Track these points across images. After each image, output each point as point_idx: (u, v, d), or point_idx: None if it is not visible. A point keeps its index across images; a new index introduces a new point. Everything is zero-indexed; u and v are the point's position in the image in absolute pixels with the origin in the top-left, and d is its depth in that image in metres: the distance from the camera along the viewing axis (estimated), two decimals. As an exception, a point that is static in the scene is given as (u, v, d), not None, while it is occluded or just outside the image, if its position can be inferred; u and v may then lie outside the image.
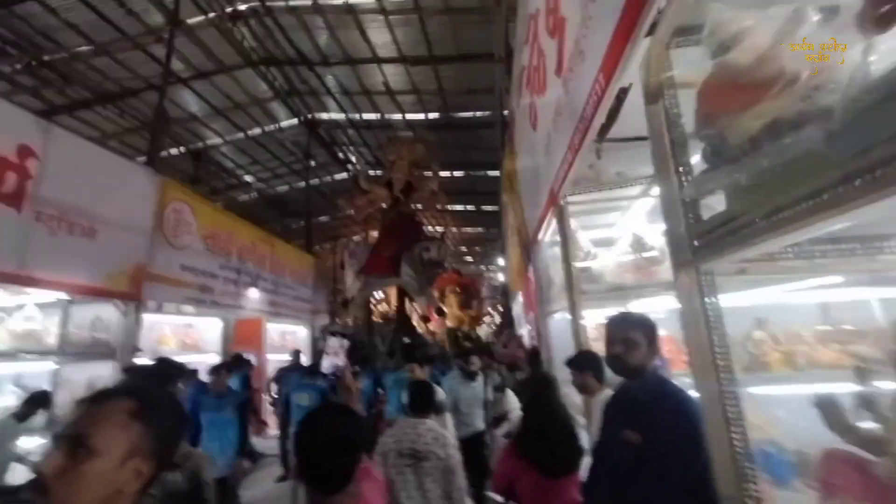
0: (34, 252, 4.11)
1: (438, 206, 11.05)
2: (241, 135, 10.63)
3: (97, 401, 0.75)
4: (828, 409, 1.28)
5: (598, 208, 3.31)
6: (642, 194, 2.89)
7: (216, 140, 10.68)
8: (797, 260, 1.24)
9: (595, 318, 2.94)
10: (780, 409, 1.92)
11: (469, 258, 23.31)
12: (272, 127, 10.57)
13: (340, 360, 6.17)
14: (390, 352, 8.21)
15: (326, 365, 6.10)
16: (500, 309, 22.52)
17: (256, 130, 10.58)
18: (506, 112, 7.04)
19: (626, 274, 2.83)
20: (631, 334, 1.58)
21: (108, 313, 5.11)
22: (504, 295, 18.08)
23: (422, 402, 2.29)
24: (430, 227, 13.27)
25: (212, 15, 7.04)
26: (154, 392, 0.85)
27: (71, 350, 4.71)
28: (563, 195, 2.89)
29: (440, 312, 11.63)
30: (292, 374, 6.62)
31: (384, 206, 10.19)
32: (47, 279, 4.25)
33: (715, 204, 1.30)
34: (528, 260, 5.31)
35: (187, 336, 6.69)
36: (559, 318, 3.58)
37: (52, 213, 4.30)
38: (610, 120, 2.31)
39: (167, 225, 5.79)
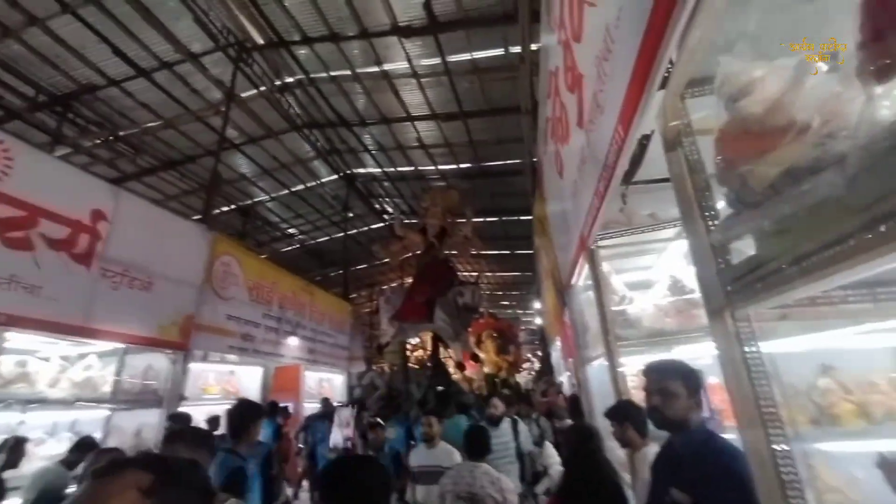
0: (98, 305, 4.46)
1: (473, 251, 10.88)
2: (285, 191, 11.37)
3: (108, 474, 0.68)
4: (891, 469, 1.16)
5: (631, 251, 3.26)
6: (677, 236, 2.83)
7: (263, 197, 11.46)
8: (841, 305, 1.18)
9: (635, 365, 2.81)
10: (858, 469, 1.71)
11: (505, 303, 22.95)
12: (314, 183, 11.26)
13: (350, 431, 5.97)
14: (423, 401, 7.92)
15: (338, 438, 5.94)
16: (539, 354, 21.75)
17: (299, 186, 11.29)
18: (535, 159, 7.20)
19: (666, 318, 2.72)
20: (669, 384, 1.51)
21: (159, 362, 5.38)
22: (542, 340, 17.53)
23: (478, 447, 2.54)
24: (464, 273, 13.18)
25: (262, 88, 7.81)
26: (176, 463, 0.78)
27: (123, 398, 4.95)
28: (592, 240, 2.88)
29: (475, 358, 11.14)
30: (320, 423, 6.58)
31: (418, 251, 10.20)
32: (108, 330, 4.57)
33: (746, 248, 1.27)
34: (563, 304, 5.20)
35: (229, 384, 6.88)
36: (598, 365, 3.44)
37: (116, 270, 4.70)
38: (634, 165, 2.34)
39: (216, 277, 6.16)
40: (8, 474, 3.04)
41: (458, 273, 10.99)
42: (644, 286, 3.22)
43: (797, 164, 0.92)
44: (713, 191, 1.37)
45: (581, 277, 3.61)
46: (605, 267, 3.09)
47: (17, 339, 4.01)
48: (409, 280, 11.03)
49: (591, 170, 2.44)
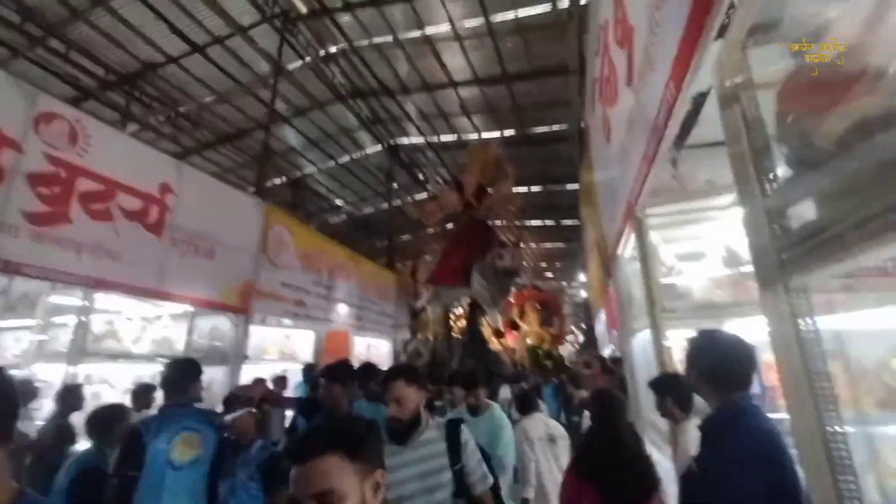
0: (169, 271, 4.90)
1: (513, 209, 9.83)
2: (332, 163, 11.65)
3: (311, 456, 0.82)
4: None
5: (683, 220, 3.07)
6: (734, 204, 2.63)
7: (311, 169, 11.82)
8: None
9: (682, 338, 2.71)
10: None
11: (549, 274, 22.60)
12: (359, 154, 11.44)
13: None
14: (457, 370, 7.78)
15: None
16: (584, 327, 21.43)
17: (345, 158, 11.51)
18: (583, 124, 6.86)
19: (717, 290, 2.59)
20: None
21: (223, 324, 5.87)
22: (587, 312, 17.21)
23: (531, 403, 3.20)
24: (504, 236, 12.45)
25: (307, 59, 7.91)
26: (349, 429, 0.91)
27: (194, 355, 5.47)
28: (640, 207, 2.75)
29: (515, 326, 10.59)
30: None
31: (455, 211, 9.55)
32: (178, 294, 5.03)
33: (805, 213, 1.16)
34: (608, 275, 5.06)
35: (285, 346, 7.38)
36: (642, 337, 3.35)
37: (183, 238, 5.11)
38: (687, 127, 2.17)
39: (270, 246, 6.52)
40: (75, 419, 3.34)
41: (498, 235, 10.09)
42: (695, 257, 3.06)
43: (870, 116, 0.82)
44: (772, 151, 1.26)
45: (627, 247, 3.47)
46: (654, 236, 2.95)
47: (103, 300, 4.51)
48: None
49: (640, 132, 2.30)
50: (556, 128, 9.46)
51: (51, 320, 4.50)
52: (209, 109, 8.99)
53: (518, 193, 9.43)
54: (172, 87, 8.31)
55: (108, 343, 4.69)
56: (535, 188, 12.81)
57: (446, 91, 8.94)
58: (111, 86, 7.84)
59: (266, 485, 2.43)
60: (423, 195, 14.11)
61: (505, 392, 6.00)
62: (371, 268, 9.98)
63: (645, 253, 2.80)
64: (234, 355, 5.80)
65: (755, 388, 1.88)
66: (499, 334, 10.78)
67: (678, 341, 2.64)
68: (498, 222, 10.08)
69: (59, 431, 3.05)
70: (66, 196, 4.01)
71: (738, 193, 1.39)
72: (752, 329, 2.33)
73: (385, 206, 13.53)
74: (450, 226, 10.22)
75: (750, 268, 2.54)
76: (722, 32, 1.31)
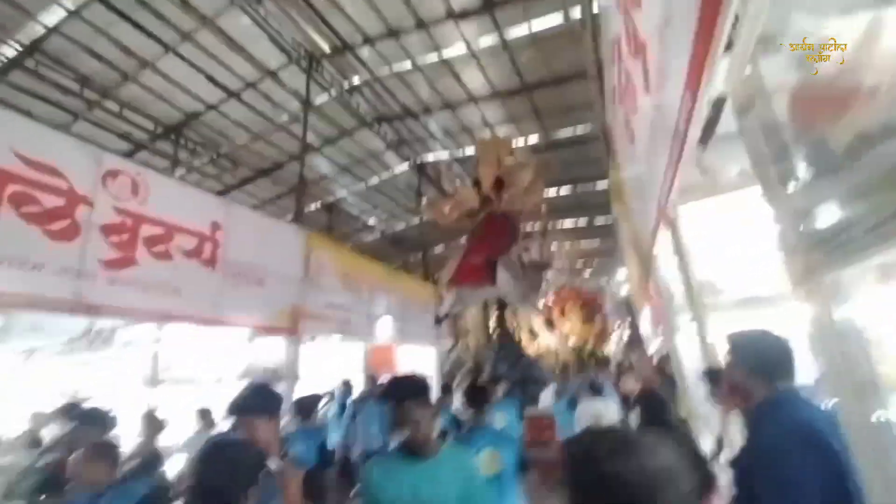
0: (225, 301, 5.27)
1: (536, 200, 9.00)
2: (362, 185, 12.08)
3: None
4: None
5: (717, 213, 3.07)
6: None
7: (343, 193, 12.30)
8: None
9: (724, 333, 2.70)
10: None
11: (587, 274, 22.16)
12: (387, 174, 11.80)
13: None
14: (494, 378, 6.88)
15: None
16: (627, 324, 20.80)
17: (375, 179, 11.91)
18: (606, 123, 6.83)
19: (756, 283, 2.58)
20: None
21: (276, 346, 6.22)
22: (629, 309, 16.73)
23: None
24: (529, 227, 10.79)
25: (333, 93, 8.34)
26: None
27: (252, 375, 5.83)
28: (671, 207, 2.78)
29: (550, 324, 9.59)
30: (374, 406, 6.12)
31: (473, 208, 8.88)
32: (234, 320, 5.40)
33: (829, 211, 1.21)
34: (647, 273, 5.01)
35: (333, 362, 7.70)
36: (686, 332, 3.33)
37: (234, 270, 5.49)
38: (709, 130, 2.22)
39: (312, 270, 6.86)
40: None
41: (521, 227, 9.26)
42: (733, 250, 3.04)
43: (871, 128, 0.89)
44: (791, 153, 1.32)
45: (663, 245, 3.48)
46: (689, 232, 2.96)
47: (170, 331, 4.91)
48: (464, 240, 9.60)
49: (662, 137, 2.36)
50: (579, 130, 9.43)
51: (126, 352, 4.96)
52: (246, 148, 9.60)
53: (540, 181, 8.53)
54: (213, 132, 8.96)
55: (177, 370, 5.08)
56: (563, 191, 12.75)
57: (468, 107, 9.14)
58: (160, 136, 8.55)
59: None
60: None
61: (547, 397, 5.96)
62: (408, 282, 10.22)
63: (681, 251, 2.82)
64: (288, 374, 6.12)
65: (807, 380, 1.89)
66: (533, 335, 10.03)
67: (720, 335, 2.65)
68: (521, 215, 9.22)
69: (148, 454, 3.37)
70: (132, 242, 4.44)
71: (764, 194, 1.45)
72: (793, 321, 2.32)
73: (416, 222, 13.88)
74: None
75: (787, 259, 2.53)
76: (729, 46, 1.39)
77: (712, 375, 2.21)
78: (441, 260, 14.96)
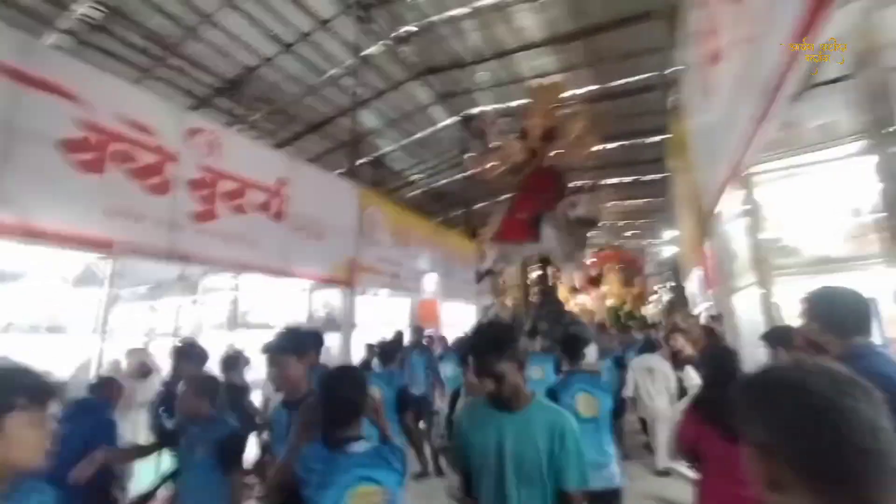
0: (291, 253, 5.69)
1: (586, 153, 8.48)
2: (407, 140, 12.12)
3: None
4: None
5: (795, 171, 2.98)
6: (851, 154, 2.53)
7: (389, 148, 12.41)
8: None
9: (794, 294, 2.72)
10: None
11: (628, 234, 21.55)
12: (433, 128, 11.74)
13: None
14: (532, 331, 6.77)
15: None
16: (669, 286, 20.36)
17: (420, 134, 11.90)
18: (671, 70, 6.45)
19: (833, 244, 2.55)
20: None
21: (334, 297, 6.69)
22: (674, 271, 16.33)
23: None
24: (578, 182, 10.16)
25: (383, 43, 8.26)
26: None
27: (314, 323, 6.35)
28: (746, 166, 2.73)
29: (595, 282, 9.08)
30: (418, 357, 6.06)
31: (519, 161, 8.55)
32: (298, 270, 5.84)
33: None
34: (705, 233, 4.92)
35: (384, 314, 8.18)
36: (748, 295, 3.35)
37: (298, 224, 5.86)
38: (807, 82, 2.13)
39: (366, 225, 7.18)
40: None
41: (569, 182, 8.89)
42: (808, 210, 2.98)
43: None
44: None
45: (730, 204, 3.42)
46: (762, 190, 2.91)
47: (245, 280, 5.40)
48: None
49: (749, 92, 2.30)
50: (638, 78, 8.89)
51: (209, 298, 5.52)
52: (298, 103, 9.79)
53: (591, 133, 8.08)
54: (267, 86, 9.17)
55: (251, 316, 5.62)
56: (612, 145, 12.23)
57: (518, 56, 8.80)
58: (219, 92, 8.86)
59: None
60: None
61: (591, 354, 6.12)
62: (452, 237, 10.46)
63: (752, 211, 2.81)
64: (345, 323, 6.62)
65: (878, 340, 1.93)
66: (575, 292, 10.00)
67: (789, 297, 2.67)
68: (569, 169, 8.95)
69: (230, 392, 3.86)
70: (212, 196, 4.83)
71: (871, 149, 1.45)
72: (871, 281, 2.30)
73: (459, 176, 13.86)
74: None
75: (869, 218, 2.48)
76: None
77: (771, 339, 2.26)
78: (483, 216, 15.03)
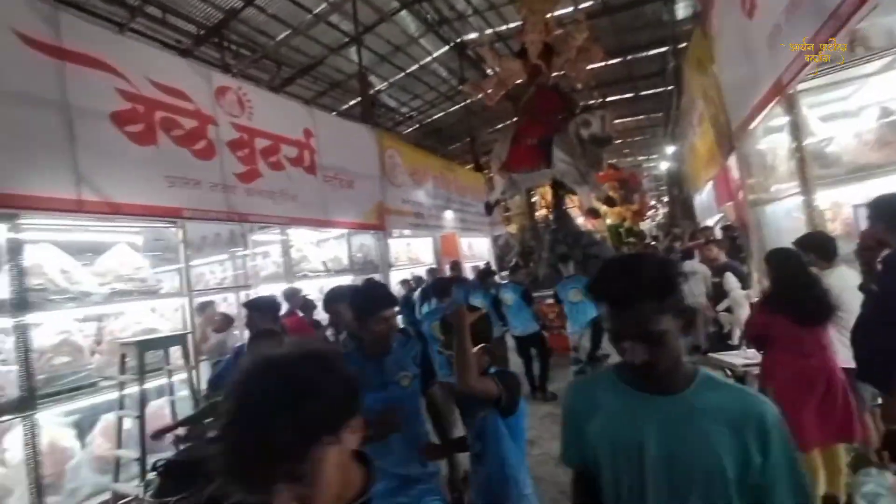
0: (328, 204, 5.86)
1: (593, 63, 7.86)
2: (400, 75, 11.67)
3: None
4: None
5: (834, 84, 3.17)
6: (887, 67, 2.74)
7: (382, 85, 11.97)
8: None
9: (831, 201, 3.07)
10: None
11: (626, 151, 21.64)
12: (427, 59, 11.28)
13: None
14: (564, 255, 6.13)
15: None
16: (667, 200, 20.91)
17: (414, 67, 11.44)
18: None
19: (870, 153, 2.85)
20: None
21: (368, 241, 6.97)
22: (675, 185, 16.71)
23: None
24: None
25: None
26: None
27: (355, 267, 6.69)
28: (793, 86, 2.92)
29: (609, 202, 8.30)
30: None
31: (520, 82, 7.96)
32: (336, 220, 6.05)
33: None
34: (726, 147, 5.17)
35: (410, 252, 8.54)
36: (782, 206, 3.70)
37: (330, 175, 5.97)
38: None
39: (387, 168, 7.27)
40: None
41: (577, 100, 8.31)
42: (846, 118, 3.23)
43: None
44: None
45: (768, 120, 3.65)
46: (804, 103, 3.10)
47: (293, 233, 5.61)
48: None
49: (807, 18, 2.45)
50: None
51: (261, 252, 5.72)
52: (287, 44, 9.27)
53: (594, 43, 7.45)
54: (252, 30, 8.63)
55: (302, 265, 5.89)
56: (611, 61, 11.95)
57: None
58: (203, 40, 8.33)
59: None
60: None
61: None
62: (462, 172, 10.57)
63: (796, 124, 3.05)
64: (382, 264, 6.98)
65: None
66: (594, 214, 9.22)
67: (831, 205, 3.03)
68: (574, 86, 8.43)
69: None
70: (252, 155, 4.89)
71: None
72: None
73: (455, 108, 13.55)
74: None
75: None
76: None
77: (803, 244, 2.46)
78: (487, 145, 14.94)
